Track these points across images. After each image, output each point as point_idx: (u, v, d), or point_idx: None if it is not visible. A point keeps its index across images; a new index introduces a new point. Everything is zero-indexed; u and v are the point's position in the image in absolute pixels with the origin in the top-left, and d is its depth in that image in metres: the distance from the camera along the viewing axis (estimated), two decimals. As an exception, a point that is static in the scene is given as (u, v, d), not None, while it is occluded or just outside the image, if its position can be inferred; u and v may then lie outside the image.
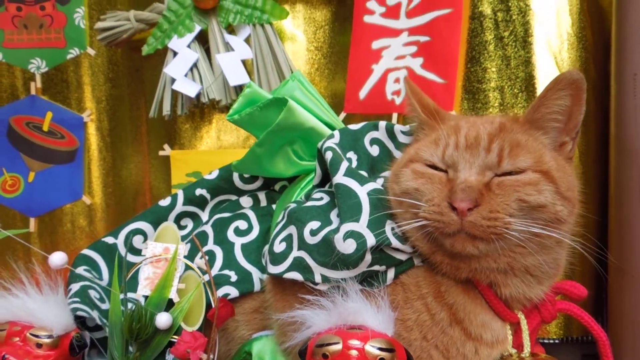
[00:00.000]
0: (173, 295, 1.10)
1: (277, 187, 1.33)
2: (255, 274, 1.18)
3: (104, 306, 1.18)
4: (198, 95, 1.85)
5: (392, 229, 1.01)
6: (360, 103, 1.79)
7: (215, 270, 1.18)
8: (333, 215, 1.05)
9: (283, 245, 1.07)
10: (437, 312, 1.00)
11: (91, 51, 2.01)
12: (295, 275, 1.03)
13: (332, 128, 1.24)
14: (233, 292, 1.16)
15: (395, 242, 0.99)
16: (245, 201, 1.31)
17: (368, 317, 0.96)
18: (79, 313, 1.11)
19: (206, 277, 1.11)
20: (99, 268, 1.27)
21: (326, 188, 1.13)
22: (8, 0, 1.99)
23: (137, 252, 1.25)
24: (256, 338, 1.16)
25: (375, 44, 1.78)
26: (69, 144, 2.03)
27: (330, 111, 1.28)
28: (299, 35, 1.92)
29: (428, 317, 1.01)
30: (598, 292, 1.65)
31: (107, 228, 2.03)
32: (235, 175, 1.31)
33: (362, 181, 1.04)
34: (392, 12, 1.77)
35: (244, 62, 1.83)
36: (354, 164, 1.12)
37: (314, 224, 1.03)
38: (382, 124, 1.15)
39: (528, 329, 1.03)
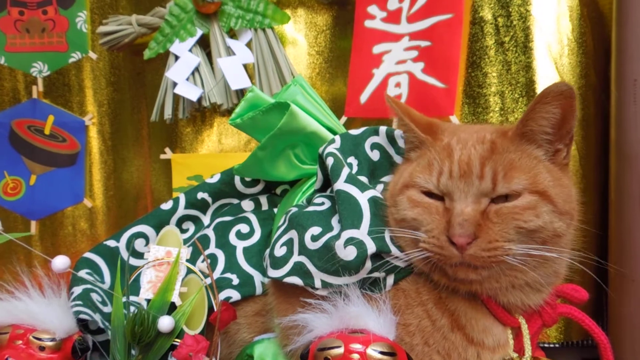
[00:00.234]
0: (175, 298, 1.10)
1: (278, 190, 1.33)
2: (257, 277, 1.19)
3: (106, 309, 1.18)
4: (199, 99, 1.86)
5: (392, 238, 1.01)
6: (361, 107, 1.80)
7: (217, 274, 1.19)
8: (334, 221, 1.05)
9: (284, 250, 1.07)
10: (438, 319, 1.01)
11: (93, 55, 2.01)
12: (296, 280, 1.03)
13: (334, 132, 1.24)
14: (235, 295, 1.17)
15: (394, 250, 1.00)
16: (247, 205, 1.31)
17: (370, 321, 0.96)
18: (82, 316, 1.11)
19: (208, 281, 1.12)
20: (101, 271, 1.27)
21: (327, 193, 1.14)
22: (10, 4, 2.00)
23: (139, 255, 1.25)
24: (258, 341, 1.16)
25: (376, 49, 1.79)
26: (70, 147, 2.03)
27: (332, 115, 1.29)
28: (300, 40, 1.92)
29: (429, 323, 1.01)
30: (598, 295, 1.65)
31: (108, 231, 2.03)
32: (237, 179, 1.32)
33: (362, 188, 1.04)
34: (393, 17, 1.77)
35: (245, 66, 1.84)
36: (355, 169, 1.12)
37: (315, 230, 1.03)
38: (383, 129, 1.16)
39: (529, 333, 1.03)
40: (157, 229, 1.28)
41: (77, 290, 1.17)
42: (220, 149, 1.98)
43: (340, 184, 1.05)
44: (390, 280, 1.02)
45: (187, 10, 1.87)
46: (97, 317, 1.14)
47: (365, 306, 0.98)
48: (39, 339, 1.06)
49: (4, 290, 1.11)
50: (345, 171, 1.06)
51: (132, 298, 1.11)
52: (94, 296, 1.18)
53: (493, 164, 0.94)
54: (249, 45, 1.85)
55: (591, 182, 1.69)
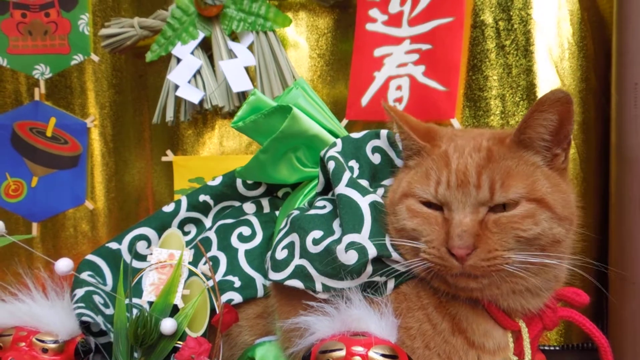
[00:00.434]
0: (178, 301, 1.10)
1: (280, 193, 1.33)
2: (259, 279, 1.19)
3: (108, 311, 1.19)
4: (201, 102, 1.86)
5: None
6: (362, 110, 1.80)
7: (219, 276, 1.19)
8: (335, 225, 1.06)
9: (285, 253, 1.07)
10: (439, 323, 1.01)
11: (95, 57, 2.02)
12: (297, 283, 1.03)
13: (335, 135, 1.24)
14: (237, 297, 1.17)
15: (395, 255, 1.00)
16: (249, 207, 1.32)
17: (371, 324, 0.96)
18: (84, 318, 1.11)
19: (210, 283, 1.12)
20: (103, 273, 1.28)
21: (329, 196, 1.14)
22: (13, 7, 2.00)
23: (141, 257, 1.25)
24: (259, 344, 1.16)
25: (378, 52, 1.79)
26: (72, 149, 2.04)
27: (334, 118, 1.29)
28: (301, 43, 1.93)
29: (430, 327, 1.01)
30: (598, 298, 1.65)
31: (110, 233, 2.04)
32: (239, 182, 1.32)
33: (363, 192, 1.05)
34: (395, 20, 1.78)
35: (247, 69, 1.85)
36: (356, 172, 1.13)
37: (317, 233, 1.04)
38: (384, 132, 1.16)
39: (529, 337, 1.03)
40: (159, 231, 1.28)
41: (80, 292, 1.17)
42: (221, 151, 1.98)
43: (342, 188, 1.05)
44: (390, 284, 1.02)
45: (189, 13, 1.87)
46: (100, 319, 1.14)
47: (367, 309, 0.98)
48: (42, 341, 1.06)
49: (7, 293, 1.11)
50: (346, 175, 1.07)
51: (135, 300, 1.11)
52: (97, 298, 1.18)
53: (490, 173, 0.94)
54: (250, 48, 1.86)
55: (591, 185, 1.70)
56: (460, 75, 1.70)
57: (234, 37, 1.89)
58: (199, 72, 1.87)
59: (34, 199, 2.05)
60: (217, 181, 1.33)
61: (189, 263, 1.15)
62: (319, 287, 1.02)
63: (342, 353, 0.93)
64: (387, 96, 1.77)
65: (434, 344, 1.01)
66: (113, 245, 1.30)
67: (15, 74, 2.05)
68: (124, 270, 1.13)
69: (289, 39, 1.93)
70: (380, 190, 1.10)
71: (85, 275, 1.23)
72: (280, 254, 1.08)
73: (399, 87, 1.76)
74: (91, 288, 1.19)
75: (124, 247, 1.29)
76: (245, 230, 1.25)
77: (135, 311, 1.08)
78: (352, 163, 1.14)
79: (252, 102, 1.24)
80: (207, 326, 1.11)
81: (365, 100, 1.79)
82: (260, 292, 1.19)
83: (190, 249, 1.21)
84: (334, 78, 1.92)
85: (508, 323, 1.02)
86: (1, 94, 2.06)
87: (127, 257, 1.27)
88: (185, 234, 1.31)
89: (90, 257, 1.29)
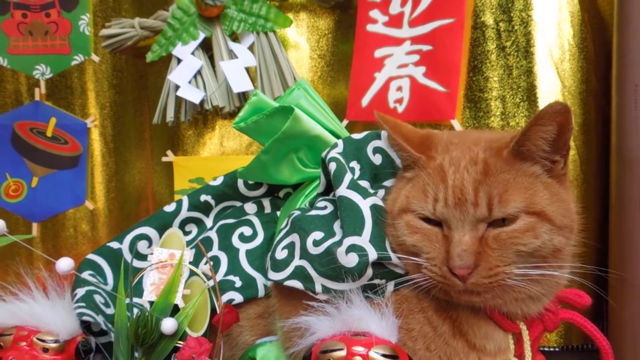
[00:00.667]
0: (178, 300, 1.11)
1: (281, 194, 1.33)
2: (260, 279, 1.19)
3: (109, 311, 1.19)
4: (201, 102, 1.87)
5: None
6: (362, 111, 1.80)
7: (220, 276, 1.19)
8: (336, 227, 1.06)
9: (285, 253, 1.07)
10: (439, 325, 1.01)
11: (95, 58, 2.02)
12: (296, 284, 1.03)
13: (337, 136, 1.24)
14: (237, 297, 1.17)
15: (395, 259, 1.00)
16: (250, 208, 1.32)
17: (372, 324, 0.96)
18: (85, 318, 1.11)
19: (211, 283, 1.12)
20: (104, 273, 1.28)
21: (330, 197, 1.14)
22: (14, 7, 2.00)
23: (141, 257, 1.25)
24: (260, 344, 1.16)
25: (378, 53, 1.79)
26: (72, 149, 2.04)
27: (335, 119, 1.29)
28: (302, 43, 1.93)
29: (430, 329, 1.01)
30: (598, 300, 1.65)
31: (110, 233, 2.04)
32: (240, 182, 1.32)
33: (365, 195, 1.05)
34: (395, 21, 1.78)
35: (247, 69, 1.85)
36: (357, 173, 1.13)
37: (318, 235, 1.04)
38: (385, 133, 1.16)
39: (530, 339, 1.03)
40: (160, 231, 1.28)
41: (80, 292, 1.17)
42: (221, 151, 1.99)
43: (343, 190, 1.05)
44: (390, 287, 1.02)
45: (190, 13, 1.87)
46: (100, 319, 1.14)
47: (367, 309, 0.98)
48: (43, 341, 1.06)
49: (8, 292, 1.11)
50: (347, 177, 1.06)
51: (135, 300, 1.11)
52: (97, 298, 1.18)
53: (487, 189, 0.93)
54: (251, 48, 1.86)
55: (592, 186, 1.70)
56: (460, 77, 1.70)
57: (235, 37, 1.89)
58: (199, 72, 1.87)
59: (34, 199, 2.05)
60: (219, 181, 1.33)
61: (190, 263, 1.15)
62: (318, 288, 1.02)
63: (343, 353, 0.93)
64: (388, 97, 1.77)
65: (434, 346, 1.01)
66: (114, 245, 1.30)
67: (15, 74, 2.05)
68: (125, 269, 1.13)
69: (289, 40, 1.93)
70: (381, 192, 1.09)
71: (86, 275, 1.23)
72: (281, 254, 1.08)
73: (399, 88, 1.76)
74: (92, 287, 1.19)
75: (124, 246, 1.29)
76: (247, 230, 1.25)
77: (136, 311, 1.08)
78: (354, 164, 1.14)
79: (254, 102, 1.24)
80: (207, 326, 1.11)
81: (365, 101, 1.79)
82: (261, 293, 1.19)
83: (191, 248, 1.21)
84: (334, 79, 1.92)
85: (509, 325, 1.02)
86: (1, 94, 2.06)
87: (128, 256, 1.27)
88: (186, 233, 1.31)
89: (91, 256, 1.29)
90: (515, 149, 0.95)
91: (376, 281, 1.01)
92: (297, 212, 1.11)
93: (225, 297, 1.16)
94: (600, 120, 1.70)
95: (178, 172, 1.98)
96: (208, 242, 1.24)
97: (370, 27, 1.80)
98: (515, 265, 0.92)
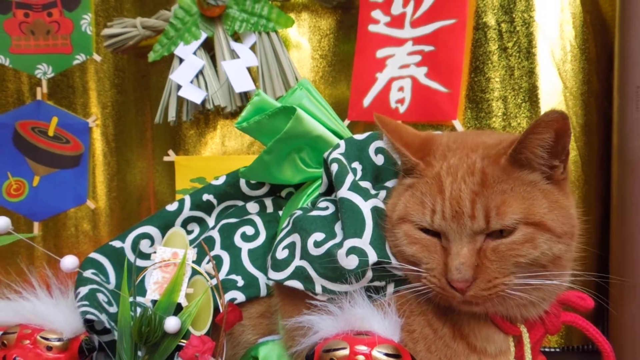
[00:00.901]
0: (182, 299, 1.11)
1: (283, 193, 1.33)
2: (262, 279, 1.19)
3: (112, 309, 1.19)
4: (203, 102, 1.87)
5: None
6: (364, 111, 1.80)
7: (222, 275, 1.19)
8: (337, 228, 1.05)
9: (285, 253, 1.07)
10: (439, 328, 1.01)
11: (97, 57, 2.02)
12: (296, 284, 1.04)
13: (339, 136, 1.25)
14: (239, 296, 1.17)
15: (395, 262, 1.00)
16: (252, 207, 1.32)
17: (375, 323, 0.96)
18: (88, 316, 1.11)
19: (214, 282, 1.12)
20: (106, 271, 1.28)
21: (332, 197, 1.14)
22: (16, 7, 2.01)
23: (144, 256, 1.25)
24: (262, 343, 1.16)
25: (380, 53, 1.80)
26: (74, 148, 2.04)
27: (338, 119, 1.29)
28: (304, 43, 1.93)
29: (430, 332, 1.01)
30: (598, 300, 1.66)
31: (111, 233, 2.04)
32: (242, 181, 1.32)
33: (366, 197, 1.04)
34: (397, 22, 1.78)
35: (249, 69, 1.85)
36: (359, 174, 1.13)
37: (319, 236, 1.04)
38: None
39: (530, 342, 1.02)
40: (163, 230, 1.28)
41: (84, 290, 1.17)
42: (223, 151, 1.99)
43: (344, 192, 1.05)
44: (390, 288, 1.03)
45: (192, 13, 1.88)
46: (104, 317, 1.14)
47: (370, 308, 0.98)
48: (47, 339, 1.06)
49: (11, 290, 1.12)
50: (349, 178, 1.06)
51: (138, 299, 1.12)
52: (100, 296, 1.18)
53: (484, 201, 0.92)
54: (253, 48, 1.86)
55: (593, 187, 1.70)
56: (462, 77, 1.71)
57: (237, 37, 1.89)
58: (201, 72, 1.88)
59: (36, 198, 2.06)
60: (221, 180, 1.33)
61: (193, 262, 1.15)
62: (318, 289, 1.02)
63: (346, 352, 0.93)
64: (389, 97, 1.77)
65: (435, 348, 1.01)
66: (116, 244, 1.30)
67: (17, 73, 2.05)
68: (128, 268, 1.13)
69: (291, 40, 1.93)
70: (383, 193, 1.09)
71: (88, 273, 1.23)
72: (281, 253, 1.08)
73: (401, 89, 1.76)
74: (95, 286, 1.19)
75: (127, 245, 1.29)
76: (249, 230, 1.25)
77: (139, 309, 1.09)
78: (355, 165, 1.14)
79: (256, 102, 1.24)
80: (210, 325, 1.11)
81: (367, 101, 1.80)
82: (263, 292, 1.19)
83: (194, 247, 1.21)
84: (336, 79, 1.92)
85: (509, 328, 1.02)
86: (3, 94, 2.06)
87: (130, 255, 1.27)
88: (189, 232, 1.31)
89: (93, 255, 1.29)
90: (512, 157, 0.94)
91: (376, 283, 1.01)
92: (298, 212, 1.11)
93: (227, 297, 1.15)
94: (602, 121, 1.71)
95: (179, 172, 1.98)
96: (210, 242, 1.24)
97: (372, 28, 1.81)
98: (514, 275, 0.92)
